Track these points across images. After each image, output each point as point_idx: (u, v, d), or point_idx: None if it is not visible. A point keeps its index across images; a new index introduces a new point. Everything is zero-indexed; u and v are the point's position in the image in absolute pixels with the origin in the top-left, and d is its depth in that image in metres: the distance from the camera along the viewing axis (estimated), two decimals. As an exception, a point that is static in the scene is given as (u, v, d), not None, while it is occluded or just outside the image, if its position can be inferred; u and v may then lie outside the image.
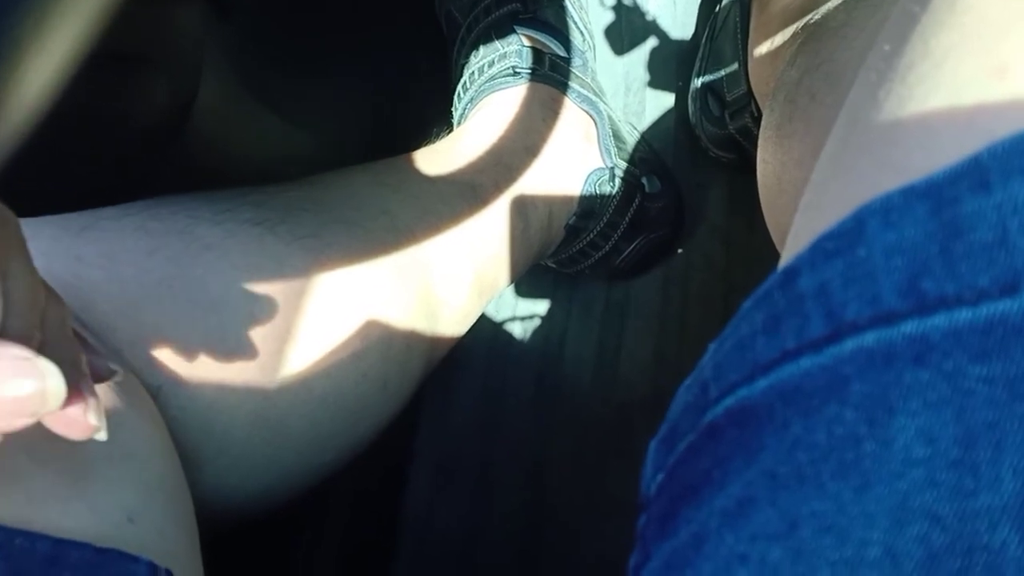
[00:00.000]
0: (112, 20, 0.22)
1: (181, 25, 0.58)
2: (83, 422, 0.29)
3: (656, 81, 0.78)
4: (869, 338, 0.20)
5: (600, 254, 0.71)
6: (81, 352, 0.30)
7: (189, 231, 0.47)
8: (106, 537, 0.34)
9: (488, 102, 0.68)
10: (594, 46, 0.76)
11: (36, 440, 0.29)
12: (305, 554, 0.67)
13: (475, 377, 0.74)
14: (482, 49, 0.70)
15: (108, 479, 0.36)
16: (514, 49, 0.69)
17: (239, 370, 0.46)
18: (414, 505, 0.70)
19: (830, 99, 0.45)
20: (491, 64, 0.69)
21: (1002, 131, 0.20)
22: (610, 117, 0.71)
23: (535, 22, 0.71)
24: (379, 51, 0.78)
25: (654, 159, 0.74)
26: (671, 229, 0.74)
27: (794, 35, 0.56)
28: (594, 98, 0.71)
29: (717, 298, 0.73)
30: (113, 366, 0.33)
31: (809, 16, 0.54)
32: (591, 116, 0.70)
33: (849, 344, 0.20)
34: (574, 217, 0.68)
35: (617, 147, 0.70)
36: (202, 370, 0.45)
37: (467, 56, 0.71)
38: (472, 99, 0.69)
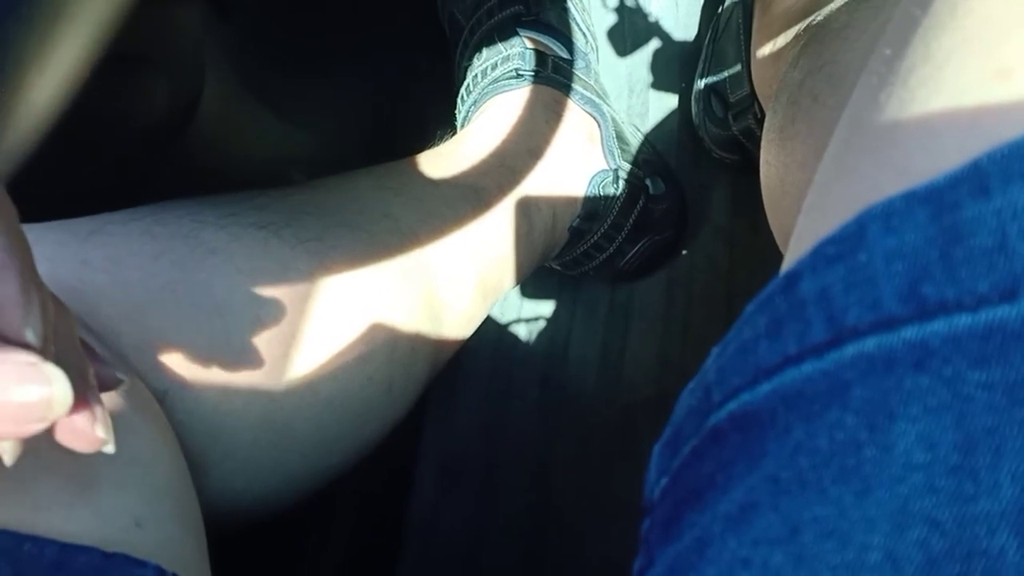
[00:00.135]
0: (120, 27, 0.22)
1: (181, 25, 0.58)
2: (91, 435, 0.29)
3: (659, 83, 0.79)
4: (870, 343, 0.20)
5: (604, 256, 0.71)
6: (88, 363, 0.30)
7: (194, 235, 0.47)
8: (113, 542, 0.34)
9: (491, 104, 0.68)
10: (597, 48, 0.77)
11: (43, 446, 0.29)
12: (311, 557, 0.67)
13: (480, 379, 0.74)
14: (485, 51, 0.70)
15: (115, 484, 0.36)
16: (517, 51, 0.69)
17: (245, 374, 0.46)
18: (419, 507, 0.70)
19: (832, 100, 0.45)
20: (494, 67, 0.69)
21: (1005, 134, 0.20)
22: (613, 119, 0.71)
23: (538, 24, 0.71)
24: (379, 51, 0.78)
25: (658, 161, 0.74)
26: (675, 231, 0.74)
27: (797, 36, 0.56)
28: (597, 100, 0.71)
29: (721, 300, 0.73)
30: (120, 375, 0.33)
31: (811, 17, 0.54)
32: (594, 118, 0.70)
33: (850, 349, 0.20)
34: (578, 219, 0.68)
35: (621, 149, 0.70)
36: (208, 374, 0.45)
37: (470, 58, 0.71)
38: (475, 101, 0.69)
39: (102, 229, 0.46)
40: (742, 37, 0.70)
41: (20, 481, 0.33)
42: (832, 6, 0.52)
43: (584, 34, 0.74)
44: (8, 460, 0.27)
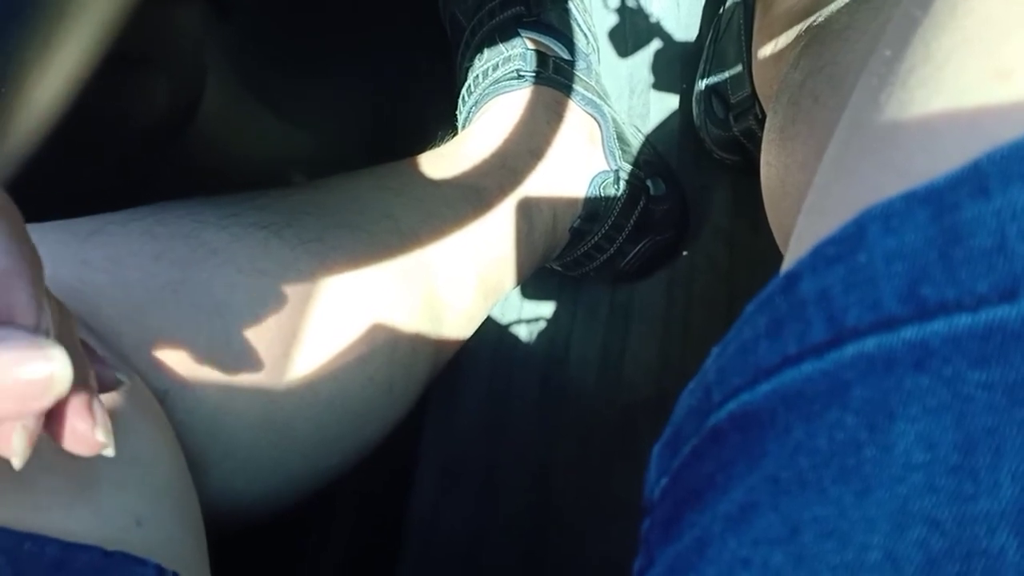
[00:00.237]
0: (121, 28, 0.22)
1: (181, 25, 0.58)
2: (91, 439, 0.29)
3: (660, 83, 0.79)
4: (870, 343, 0.20)
5: (605, 257, 0.71)
6: (90, 367, 0.30)
7: (195, 235, 0.47)
8: (113, 540, 0.34)
9: (492, 105, 0.68)
10: (598, 49, 0.77)
11: (43, 445, 0.29)
12: (311, 557, 0.67)
13: (480, 380, 0.74)
14: (486, 52, 0.70)
15: (115, 483, 0.36)
16: (518, 52, 0.69)
17: (245, 374, 0.46)
18: (419, 508, 0.70)
19: (833, 101, 0.45)
20: (495, 67, 0.69)
21: (1005, 134, 0.20)
22: (614, 120, 0.71)
23: (539, 25, 0.71)
24: (380, 51, 0.78)
25: (658, 161, 0.74)
26: (675, 231, 0.74)
27: (797, 37, 0.56)
28: (598, 101, 0.71)
29: (721, 300, 0.73)
30: (120, 376, 0.33)
31: (812, 18, 0.55)
32: (595, 119, 0.70)
33: (850, 349, 0.20)
34: (579, 220, 0.68)
35: (621, 150, 0.70)
36: (208, 374, 0.45)
37: (471, 59, 0.71)
38: (476, 102, 0.69)
39: (103, 229, 0.46)
40: (743, 38, 0.70)
41: (21, 480, 0.33)
42: (833, 7, 0.52)
43: (585, 35, 0.74)
44: (17, 463, 0.27)
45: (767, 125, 0.53)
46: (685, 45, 0.79)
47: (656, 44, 0.79)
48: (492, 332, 0.74)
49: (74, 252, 0.44)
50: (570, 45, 0.72)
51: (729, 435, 0.23)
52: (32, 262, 0.27)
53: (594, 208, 0.68)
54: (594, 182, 0.68)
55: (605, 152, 0.70)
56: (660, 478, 0.26)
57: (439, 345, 0.59)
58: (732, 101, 0.70)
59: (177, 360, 0.44)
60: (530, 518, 0.69)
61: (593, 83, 0.72)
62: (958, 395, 0.19)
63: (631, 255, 0.71)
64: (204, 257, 0.47)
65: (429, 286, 0.57)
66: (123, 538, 0.35)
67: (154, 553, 0.35)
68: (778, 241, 0.52)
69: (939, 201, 0.20)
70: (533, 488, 0.70)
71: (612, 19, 0.80)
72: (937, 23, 0.24)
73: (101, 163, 0.57)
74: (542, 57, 0.69)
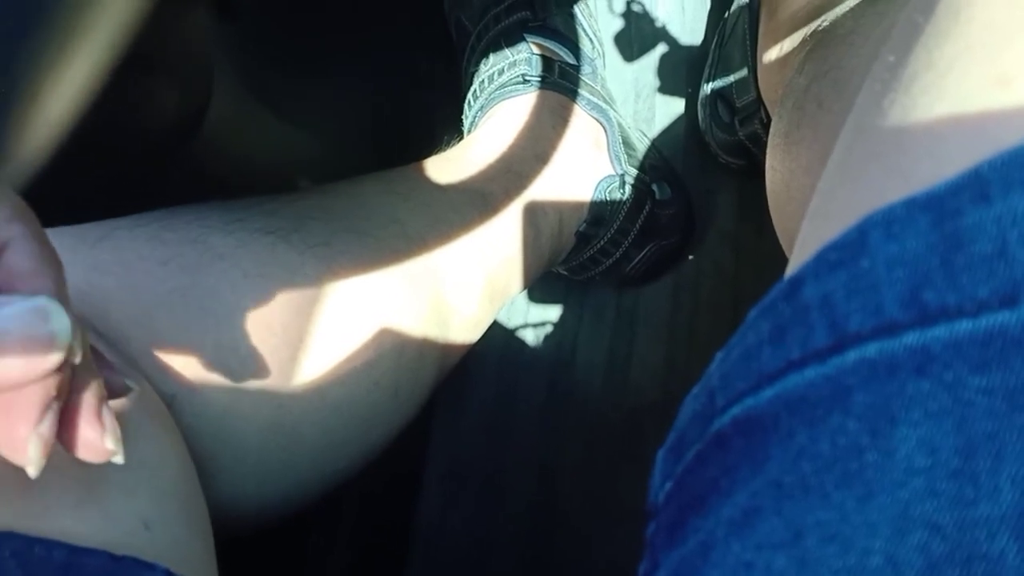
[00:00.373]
0: (132, 39, 0.22)
1: (188, 29, 0.58)
2: (100, 446, 0.29)
3: (666, 88, 0.79)
4: (872, 349, 0.20)
5: (611, 261, 0.71)
6: (99, 376, 0.31)
7: (202, 240, 0.48)
8: (122, 544, 0.34)
9: (498, 110, 0.68)
10: (604, 53, 0.77)
11: (52, 450, 0.30)
12: (317, 560, 0.67)
13: (487, 384, 0.74)
14: (492, 57, 0.70)
15: (123, 487, 0.37)
16: (524, 57, 0.69)
17: (252, 378, 0.46)
18: (426, 511, 0.70)
19: (837, 106, 0.45)
20: (501, 72, 0.69)
21: (1007, 140, 0.20)
22: (620, 124, 0.72)
23: (545, 30, 0.71)
24: (386, 56, 0.78)
25: (664, 166, 0.74)
26: (681, 236, 0.74)
27: (803, 42, 0.57)
28: (604, 105, 0.71)
29: (727, 305, 0.74)
30: (129, 383, 0.34)
31: (817, 23, 0.55)
32: (601, 123, 0.70)
33: (852, 355, 0.20)
34: (584, 224, 0.69)
35: (627, 154, 0.70)
36: (216, 378, 0.45)
37: (477, 64, 0.72)
38: (482, 107, 0.69)
39: (111, 234, 0.46)
40: (748, 42, 0.70)
41: (29, 484, 0.33)
42: (837, 11, 0.52)
43: (591, 39, 0.74)
44: (33, 472, 0.27)
45: (772, 129, 0.53)
46: (690, 49, 0.79)
47: (661, 49, 0.79)
48: (498, 336, 0.75)
49: (82, 257, 0.44)
50: (575, 50, 0.72)
51: (733, 440, 0.23)
52: (53, 263, 0.27)
53: (600, 212, 0.69)
54: (600, 186, 0.68)
55: (611, 156, 0.70)
56: (664, 482, 0.26)
57: (446, 349, 0.59)
58: (737, 105, 0.70)
59: (184, 364, 0.44)
60: (536, 522, 0.69)
61: (599, 87, 0.72)
62: (959, 400, 0.19)
63: (637, 259, 0.72)
64: (211, 262, 0.47)
65: (436, 291, 0.57)
66: (131, 542, 0.35)
67: (162, 557, 0.35)
68: (783, 245, 0.52)
69: (940, 207, 0.20)
70: (539, 492, 0.70)
71: (617, 24, 0.80)
72: (940, 30, 0.24)
73: (109, 169, 0.57)
74: (548, 62, 0.69)
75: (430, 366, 0.58)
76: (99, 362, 0.33)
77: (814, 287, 0.22)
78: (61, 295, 0.28)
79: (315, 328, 0.49)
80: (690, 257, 0.75)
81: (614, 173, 0.69)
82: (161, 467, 0.39)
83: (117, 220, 0.47)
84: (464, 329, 0.61)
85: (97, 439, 0.29)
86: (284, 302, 0.48)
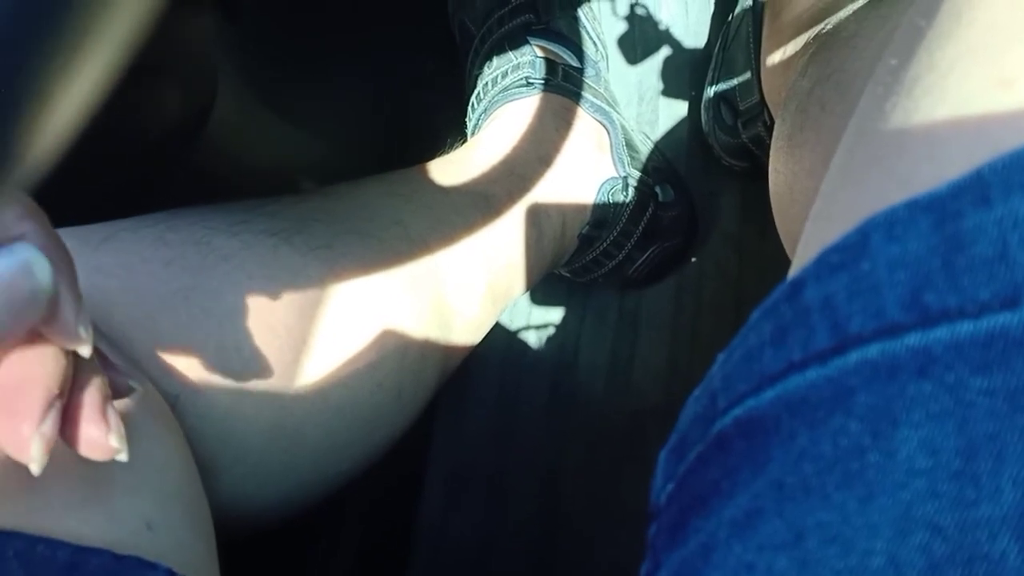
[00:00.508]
0: (140, 43, 0.22)
1: (192, 31, 0.58)
2: (105, 444, 0.30)
3: (669, 90, 0.79)
4: (873, 350, 0.20)
5: (613, 263, 0.71)
6: (103, 374, 0.31)
7: (206, 242, 0.48)
8: (125, 544, 0.34)
9: (501, 112, 0.68)
10: (607, 56, 0.77)
11: (56, 449, 0.30)
12: (320, 562, 0.67)
13: (489, 386, 0.74)
14: (496, 60, 0.71)
15: (127, 487, 0.37)
16: (527, 60, 0.69)
17: (256, 380, 0.46)
18: (428, 513, 0.70)
19: (840, 109, 0.45)
20: (504, 75, 0.69)
21: (1009, 142, 0.20)
22: (623, 126, 0.72)
23: (548, 33, 0.71)
24: (388, 58, 0.78)
25: (667, 168, 0.74)
26: (684, 238, 0.74)
27: (806, 45, 0.57)
28: (607, 108, 0.71)
29: (729, 306, 0.74)
30: (133, 383, 0.34)
31: (820, 26, 0.55)
32: (604, 126, 0.70)
33: (854, 356, 0.20)
34: (587, 226, 0.69)
35: (630, 156, 0.70)
36: (219, 380, 0.45)
37: (480, 67, 0.72)
38: (486, 109, 0.69)
39: (115, 236, 0.46)
40: (752, 45, 0.70)
41: (33, 483, 0.33)
42: (841, 15, 0.52)
43: (594, 42, 0.74)
44: (35, 469, 0.27)
45: (775, 132, 0.53)
46: (694, 52, 0.79)
47: (665, 51, 0.80)
48: (501, 338, 0.75)
49: (86, 259, 0.44)
50: (579, 52, 0.72)
51: (734, 441, 0.23)
52: (65, 259, 0.28)
53: (603, 214, 0.69)
54: (603, 188, 0.68)
55: (614, 159, 0.70)
56: (666, 484, 0.26)
57: (448, 351, 0.59)
58: (741, 108, 0.70)
59: (188, 365, 0.44)
60: (539, 524, 0.69)
61: (602, 90, 0.72)
62: (960, 401, 0.19)
63: (640, 261, 0.72)
64: (215, 263, 0.47)
65: (438, 293, 0.57)
66: (134, 542, 0.35)
67: (165, 557, 0.35)
68: (786, 247, 0.52)
69: (941, 209, 0.20)
70: (542, 494, 0.70)
71: (621, 26, 0.80)
72: (941, 32, 0.24)
73: (113, 171, 0.58)
74: (551, 64, 0.69)
75: (433, 368, 0.58)
76: (103, 363, 0.33)
77: (816, 289, 0.22)
78: (73, 291, 0.28)
79: (318, 330, 0.49)
80: (693, 259, 0.75)
81: (617, 175, 0.69)
82: (165, 468, 0.40)
83: (120, 222, 0.47)
84: (466, 331, 0.61)
85: (101, 437, 0.29)
86: (287, 304, 0.48)
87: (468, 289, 0.60)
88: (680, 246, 0.74)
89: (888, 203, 0.21)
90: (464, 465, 0.72)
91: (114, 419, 0.30)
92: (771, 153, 0.53)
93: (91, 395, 0.30)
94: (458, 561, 0.69)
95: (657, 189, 0.71)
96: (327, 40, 0.74)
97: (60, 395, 0.28)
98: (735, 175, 0.75)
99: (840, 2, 0.53)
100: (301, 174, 0.72)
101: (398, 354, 0.53)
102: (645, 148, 0.73)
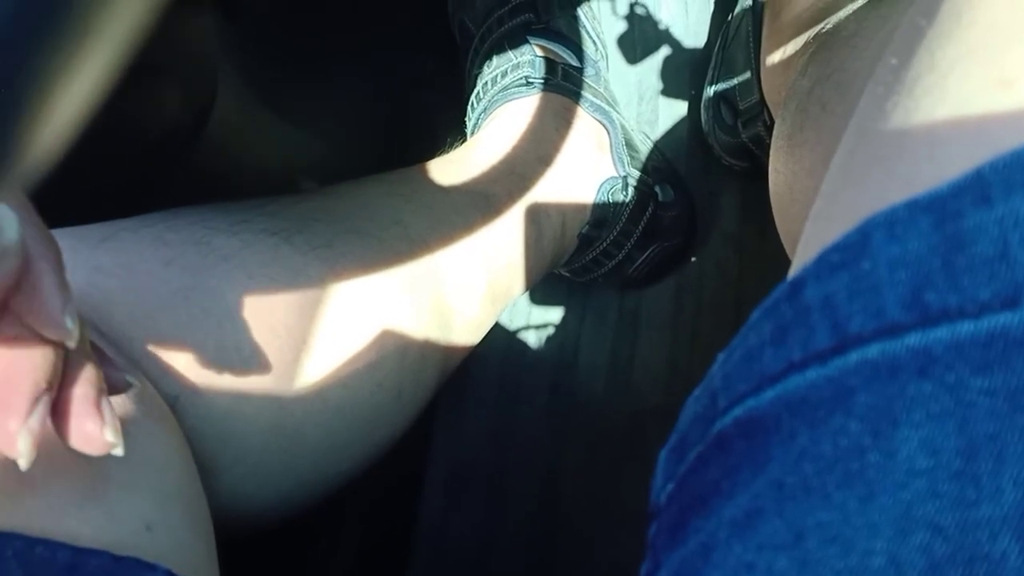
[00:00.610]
0: (142, 41, 0.22)
1: (192, 30, 0.58)
2: (99, 438, 0.29)
3: (669, 90, 0.79)
4: (873, 350, 0.20)
5: (613, 263, 0.71)
6: (99, 369, 0.31)
7: (206, 242, 0.48)
8: (124, 545, 0.34)
9: (501, 112, 0.68)
10: (607, 55, 0.77)
11: (55, 450, 0.30)
12: (320, 562, 0.67)
13: (489, 386, 0.74)
14: (495, 59, 0.71)
15: (126, 487, 0.37)
16: (527, 59, 0.69)
17: (256, 380, 0.46)
18: (429, 513, 0.70)
19: (841, 108, 0.45)
20: (504, 74, 0.69)
21: (1009, 141, 0.20)
22: (623, 126, 0.72)
23: (548, 32, 0.71)
24: (380, 51, 0.78)
25: (667, 168, 0.74)
26: (684, 238, 0.74)
27: (806, 44, 0.57)
28: (607, 107, 0.71)
29: (729, 306, 0.74)
30: (130, 378, 0.34)
31: (821, 25, 0.55)
32: (604, 125, 0.70)
33: (854, 356, 0.20)
34: (587, 226, 0.69)
35: (630, 156, 0.70)
36: (219, 380, 0.45)
37: (480, 66, 0.72)
38: (485, 109, 0.69)
39: (115, 235, 0.46)
40: (751, 45, 0.70)
41: (32, 484, 0.33)
42: (841, 14, 0.52)
43: (594, 42, 0.74)
44: (23, 464, 0.27)
45: (775, 132, 0.53)
46: (694, 52, 0.79)
47: (665, 51, 0.79)
48: (501, 338, 0.75)
49: (86, 258, 0.44)
50: (579, 52, 0.72)
51: (734, 441, 0.23)
52: (55, 249, 0.28)
53: (603, 214, 0.69)
54: (603, 188, 0.68)
55: (614, 158, 0.70)
56: (666, 484, 0.26)
57: (448, 351, 0.59)
58: (741, 107, 0.70)
59: (188, 365, 0.44)
60: (539, 524, 0.69)
61: (602, 89, 0.72)
62: (961, 401, 0.19)
63: (640, 261, 0.72)
64: (214, 263, 0.47)
65: (438, 292, 0.57)
66: (134, 543, 0.35)
67: (164, 558, 0.35)
68: (786, 247, 0.52)
69: (942, 209, 0.20)
70: (542, 494, 0.70)
71: (621, 26, 0.80)
72: (942, 32, 0.24)
73: (113, 170, 0.58)
74: (551, 64, 0.69)
75: (432, 368, 0.58)
76: (99, 358, 0.33)
77: (816, 288, 0.22)
78: (58, 279, 0.27)
79: (318, 329, 0.49)
80: (693, 259, 0.75)
81: (617, 175, 0.69)
82: (164, 468, 0.40)
83: (120, 221, 0.47)
84: (466, 331, 0.61)
85: (96, 430, 0.29)
86: (287, 303, 0.48)
87: (468, 289, 0.60)
88: (680, 246, 0.74)
89: (889, 203, 0.21)
90: (464, 465, 0.72)
91: (109, 413, 0.30)
92: (771, 153, 0.53)
93: (85, 388, 0.30)
94: (458, 561, 0.69)
95: (657, 189, 0.71)
96: (327, 40, 0.74)
97: (49, 390, 0.28)
98: (735, 175, 0.75)
99: (840, 2, 0.53)
100: (301, 174, 0.72)
101: (398, 354, 0.53)
102: (645, 148, 0.73)
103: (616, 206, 0.69)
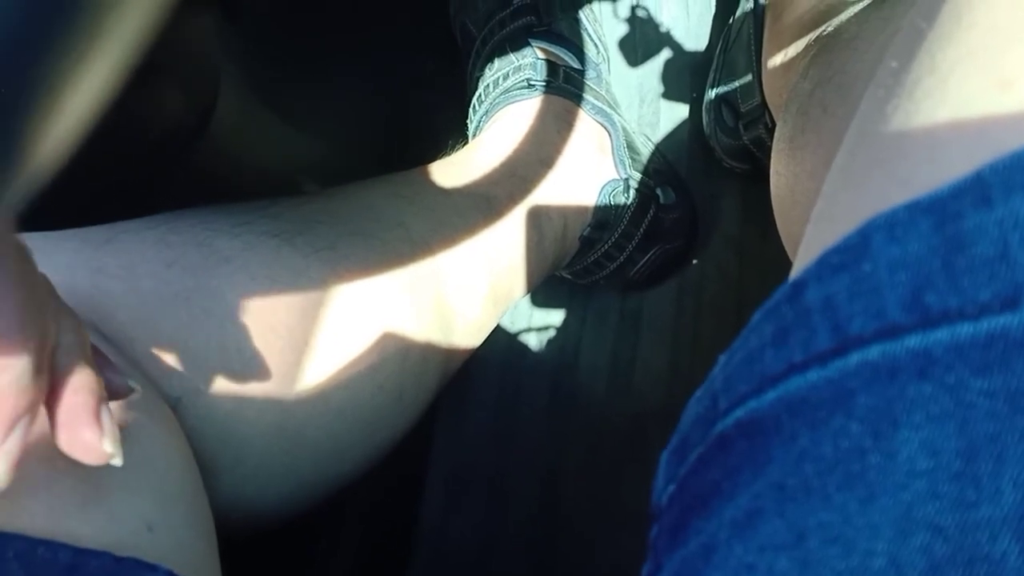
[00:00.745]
0: (148, 45, 0.22)
1: (193, 31, 0.58)
2: (98, 449, 0.29)
3: (670, 92, 0.79)
4: (874, 352, 0.20)
5: (614, 265, 0.71)
6: (100, 378, 0.31)
7: (208, 243, 0.48)
8: (125, 546, 0.34)
9: (503, 114, 0.68)
10: (608, 58, 0.77)
11: (55, 450, 0.30)
12: (321, 563, 0.67)
13: (490, 387, 0.74)
14: (497, 62, 0.71)
15: (127, 488, 0.37)
16: (529, 62, 0.69)
17: (257, 381, 0.46)
18: (429, 514, 0.70)
19: (842, 111, 0.45)
20: (506, 77, 0.69)
21: (1009, 143, 0.20)
22: (624, 129, 0.72)
23: (550, 35, 0.72)
24: (380, 51, 0.78)
25: (668, 170, 0.74)
26: (685, 240, 0.74)
27: (807, 47, 0.57)
28: (608, 110, 0.71)
29: (730, 308, 0.74)
30: (132, 384, 0.34)
31: (822, 28, 0.55)
32: (605, 128, 0.70)
33: (855, 358, 0.20)
34: (588, 228, 0.69)
35: (631, 158, 0.70)
36: (221, 381, 0.45)
37: (482, 69, 0.72)
38: (487, 111, 0.69)
39: (117, 237, 0.46)
40: (753, 47, 0.70)
41: (34, 486, 0.33)
42: (842, 17, 0.52)
43: (595, 44, 0.74)
44: (1, 483, 0.27)
45: (776, 134, 0.53)
46: (695, 54, 0.79)
47: (666, 53, 0.80)
48: (502, 340, 0.75)
49: (88, 260, 0.44)
50: (580, 54, 0.72)
51: (735, 442, 0.23)
52: (29, 282, 0.26)
53: (604, 216, 0.69)
54: (604, 191, 0.68)
55: (615, 161, 0.70)
56: (667, 485, 0.26)
57: (449, 353, 0.59)
58: (742, 110, 0.70)
59: (189, 367, 0.44)
60: (539, 525, 0.69)
61: (603, 92, 0.73)
62: (961, 403, 0.19)
63: (641, 263, 0.72)
64: (216, 265, 0.47)
65: (440, 294, 0.57)
66: (135, 544, 0.35)
67: (165, 559, 0.35)
68: (787, 249, 0.52)
69: (942, 210, 0.20)
70: (542, 495, 0.70)
71: (622, 29, 0.80)
72: (942, 35, 0.24)
73: (115, 172, 0.58)
74: (552, 66, 0.69)
75: (434, 370, 0.58)
76: (101, 363, 0.33)
77: (817, 290, 0.22)
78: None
79: (320, 331, 0.49)
80: (694, 261, 0.75)
81: (618, 177, 0.69)
82: (166, 469, 0.40)
83: (122, 223, 0.47)
84: (467, 333, 0.61)
85: (95, 441, 0.29)
86: (289, 305, 0.48)
87: (470, 291, 0.60)
88: (681, 248, 0.74)
89: (889, 204, 0.21)
90: (465, 466, 0.72)
91: (108, 422, 0.30)
92: (772, 155, 0.53)
93: (84, 397, 0.29)
94: (458, 562, 0.69)
95: (658, 191, 0.71)
96: (327, 40, 0.74)
97: (28, 411, 0.27)
98: (736, 177, 0.75)
99: (841, 4, 0.53)
100: (301, 174, 0.73)
101: (399, 356, 0.53)
102: (646, 150, 0.73)
103: (617, 208, 0.69)
